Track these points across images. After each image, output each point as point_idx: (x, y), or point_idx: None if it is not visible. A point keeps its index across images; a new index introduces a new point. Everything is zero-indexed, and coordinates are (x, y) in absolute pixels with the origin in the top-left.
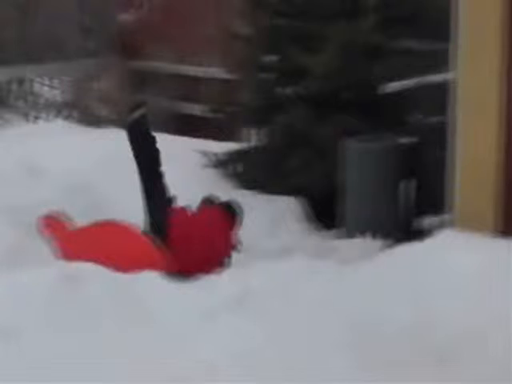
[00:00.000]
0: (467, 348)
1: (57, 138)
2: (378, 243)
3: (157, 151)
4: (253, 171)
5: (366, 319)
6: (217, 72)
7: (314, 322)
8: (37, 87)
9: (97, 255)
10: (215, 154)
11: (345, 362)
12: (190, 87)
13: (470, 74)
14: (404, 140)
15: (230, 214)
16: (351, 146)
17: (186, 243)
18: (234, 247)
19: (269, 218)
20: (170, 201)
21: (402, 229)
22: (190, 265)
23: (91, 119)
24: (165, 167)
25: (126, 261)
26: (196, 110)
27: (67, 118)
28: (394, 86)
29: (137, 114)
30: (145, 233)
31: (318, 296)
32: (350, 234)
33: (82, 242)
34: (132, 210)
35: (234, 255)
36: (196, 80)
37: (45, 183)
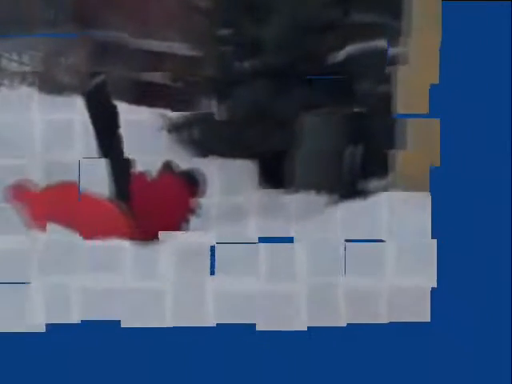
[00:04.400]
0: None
1: (20, 106)
2: (322, 199)
3: (115, 114)
4: (211, 140)
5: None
6: (179, 48)
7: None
8: (4, 63)
9: (64, 218)
10: (171, 118)
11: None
12: (153, 61)
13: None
14: (353, 109)
15: (191, 183)
16: (306, 118)
17: (148, 209)
18: (193, 211)
19: (223, 180)
20: (128, 164)
21: (347, 188)
22: (152, 230)
23: (54, 87)
24: (122, 131)
25: (93, 226)
26: (157, 77)
27: (31, 85)
28: (340, 55)
29: (96, 80)
30: (110, 199)
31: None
32: (297, 191)
33: (50, 204)
34: (97, 179)
35: (193, 219)
36: (158, 55)
37: (8, 152)
